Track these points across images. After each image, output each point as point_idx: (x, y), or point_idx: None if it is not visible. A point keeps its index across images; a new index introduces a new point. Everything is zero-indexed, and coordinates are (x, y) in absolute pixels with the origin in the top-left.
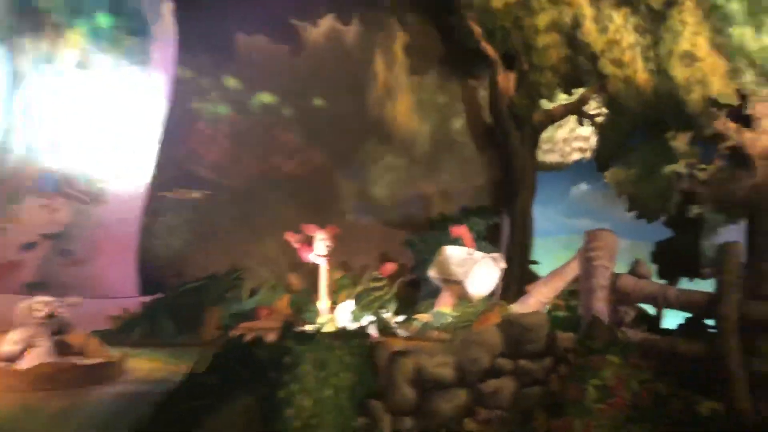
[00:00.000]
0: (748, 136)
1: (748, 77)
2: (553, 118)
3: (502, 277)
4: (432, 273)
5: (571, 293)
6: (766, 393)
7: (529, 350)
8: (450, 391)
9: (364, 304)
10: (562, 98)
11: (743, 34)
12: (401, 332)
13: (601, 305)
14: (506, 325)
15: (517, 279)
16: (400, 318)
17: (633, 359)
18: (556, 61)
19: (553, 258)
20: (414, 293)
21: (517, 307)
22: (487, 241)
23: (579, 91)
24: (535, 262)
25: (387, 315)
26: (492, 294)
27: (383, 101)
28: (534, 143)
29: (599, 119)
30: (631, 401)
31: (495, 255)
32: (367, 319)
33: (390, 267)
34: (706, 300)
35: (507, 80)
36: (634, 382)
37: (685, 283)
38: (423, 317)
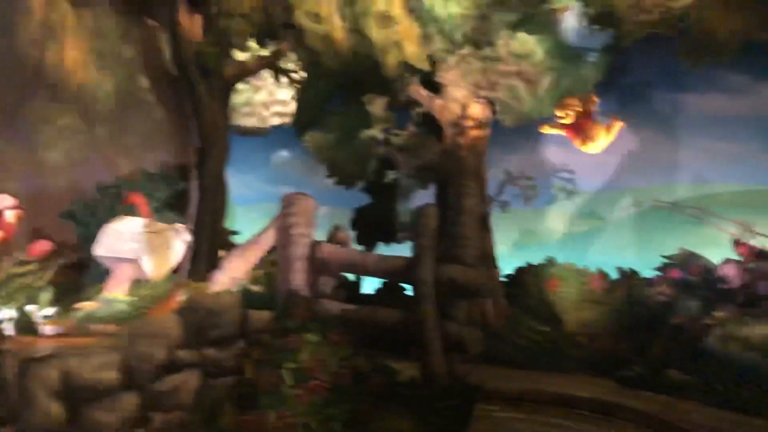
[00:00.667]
0: (438, 103)
1: (438, 44)
2: (247, 71)
3: (189, 251)
4: (99, 251)
5: (274, 263)
6: (459, 356)
7: (216, 336)
8: (114, 397)
9: (5, 296)
10: (257, 50)
11: (433, 1)
12: (49, 329)
13: (300, 277)
14: (187, 310)
15: (208, 252)
16: (51, 310)
17: (333, 335)
18: (248, 9)
19: (255, 227)
20: (78, 278)
21: (206, 286)
22: (173, 210)
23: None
24: (235, 233)
25: (34, 308)
26: (176, 272)
27: (43, 44)
28: (225, 98)
29: (297, 76)
30: (331, 382)
31: (177, 226)
32: (3, 314)
33: (41, 246)
34: (404, 265)
35: (192, 23)
36: (333, 360)
37: (383, 249)
38: (87, 306)
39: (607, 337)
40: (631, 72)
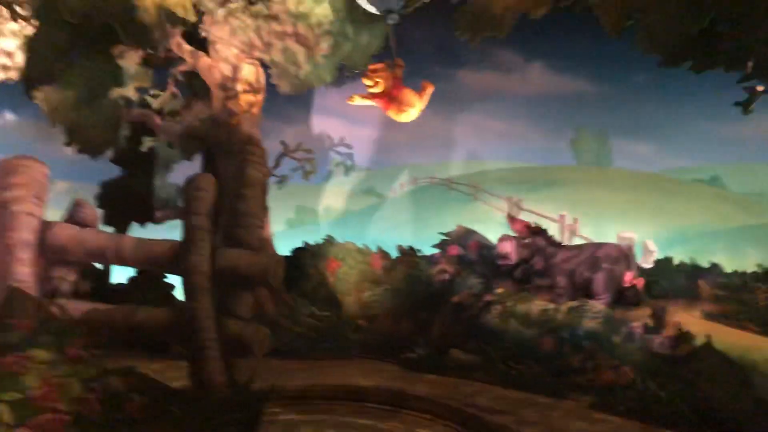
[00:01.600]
0: (204, 61)
1: None
2: None
3: None
4: None
5: None
6: (241, 358)
7: None
8: None
9: None
10: None
11: None
12: None
13: (24, 270)
14: None
15: None
16: None
17: (73, 349)
18: None
19: None
20: None
21: None
22: None
23: None
24: None
25: None
26: None
27: None
28: None
29: (24, 12)
30: (73, 412)
31: None
32: None
33: None
34: (172, 251)
35: None
36: (75, 383)
37: (137, 231)
38: None
39: (389, 318)
40: (409, 45)
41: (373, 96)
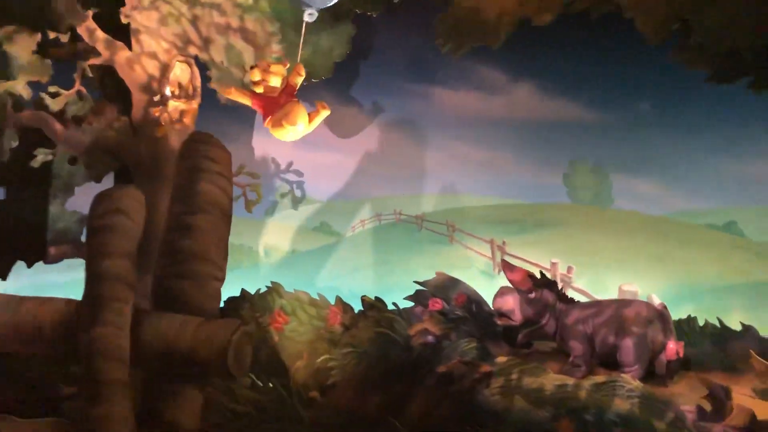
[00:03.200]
0: (124, 55)
1: None
2: None
3: None
4: None
5: None
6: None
7: None
8: None
9: None
10: None
11: None
12: None
13: None
14: None
15: None
16: None
17: None
18: None
19: None
20: None
21: None
22: None
23: None
24: None
25: None
26: None
27: None
28: None
29: None
30: None
31: None
32: None
33: None
34: (61, 317)
35: None
36: None
37: (22, 274)
38: None
39: (351, 390)
40: (375, 54)
41: (254, 95)
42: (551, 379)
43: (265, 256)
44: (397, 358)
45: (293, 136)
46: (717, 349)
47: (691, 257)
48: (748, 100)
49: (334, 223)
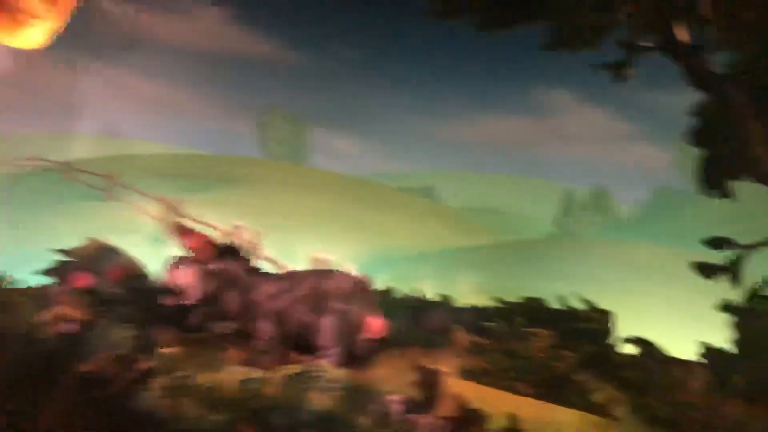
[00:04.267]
0: None
1: None
2: None
3: None
4: None
5: None
6: None
7: None
8: None
9: None
10: None
11: None
12: None
13: None
14: None
15: None
16: None
17: None
18: None
19: None
20: None
21: None
22: None
23: None
24: None
25: None
26: None
27: None
28: None
29: None
30: None
31: None
32: None
33: None
34: None
35: None
36: None
37: None
38: None
39: None
40: None
41: None
42: (232, 374)
43: None
44: (20, 354)
45: (38, 39)
46: (414, 322)
47: (386, 222)
48: (461, 60)
49: None
